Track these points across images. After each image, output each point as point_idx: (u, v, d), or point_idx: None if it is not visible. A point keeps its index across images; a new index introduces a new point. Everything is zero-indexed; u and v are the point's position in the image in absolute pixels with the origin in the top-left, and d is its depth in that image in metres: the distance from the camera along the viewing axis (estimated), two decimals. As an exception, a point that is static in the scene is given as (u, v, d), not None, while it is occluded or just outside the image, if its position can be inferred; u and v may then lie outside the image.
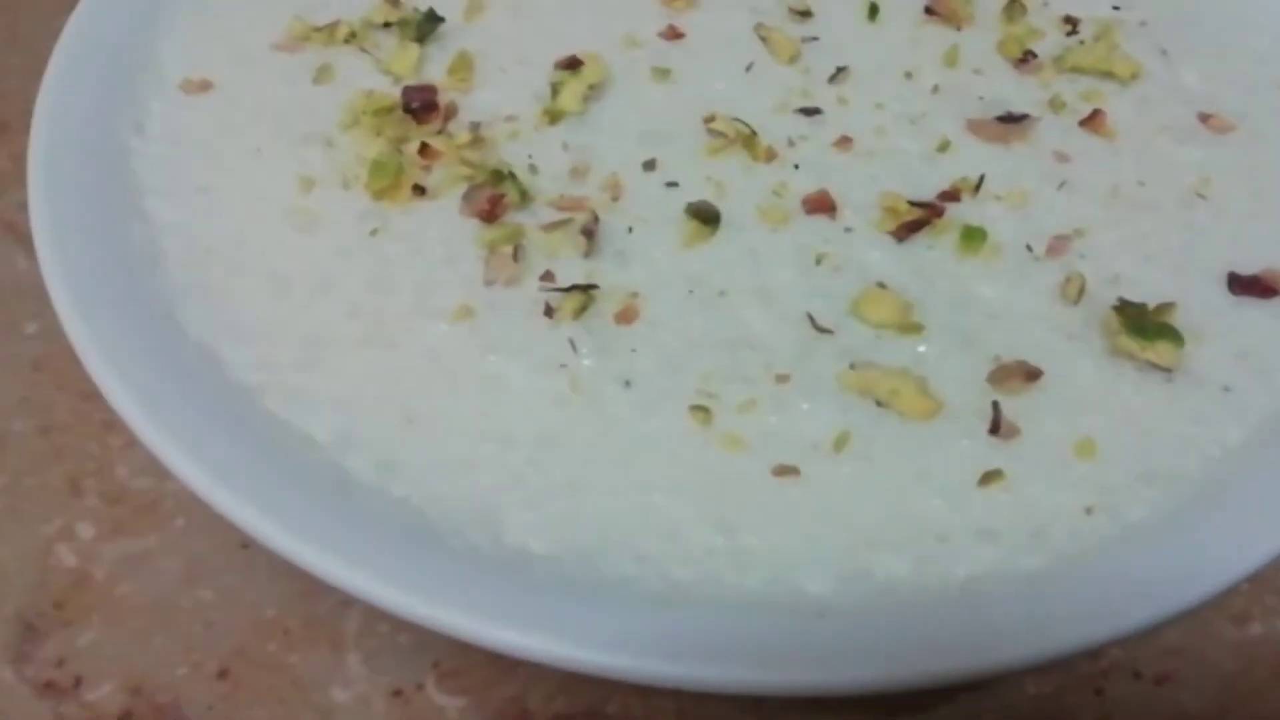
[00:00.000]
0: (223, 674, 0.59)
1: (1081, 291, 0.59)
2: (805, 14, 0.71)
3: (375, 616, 0.60)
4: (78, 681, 0.59)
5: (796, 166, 0.64)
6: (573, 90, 0.65)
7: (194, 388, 0.55)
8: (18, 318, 0.71)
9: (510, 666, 0.59)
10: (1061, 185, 0.64)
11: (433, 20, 0.69)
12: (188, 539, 0.63)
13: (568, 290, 0.58)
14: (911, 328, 0.57)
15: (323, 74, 0.67)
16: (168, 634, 0.61)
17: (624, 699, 0.59)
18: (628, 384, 0.56)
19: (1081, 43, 0.71)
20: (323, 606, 0.61)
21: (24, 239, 0.71)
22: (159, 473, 0.64)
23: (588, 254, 0.60)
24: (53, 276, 0.56)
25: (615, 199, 0.62)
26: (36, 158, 0.60)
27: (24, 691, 0.59)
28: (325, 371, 0.57)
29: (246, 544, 0.62)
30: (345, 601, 0.60)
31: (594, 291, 0.58)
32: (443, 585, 0.49)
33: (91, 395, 0.64)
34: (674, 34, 0.71)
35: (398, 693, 0.60)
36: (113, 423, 0.65)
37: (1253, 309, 0.60)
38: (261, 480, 0.52)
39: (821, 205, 0.62)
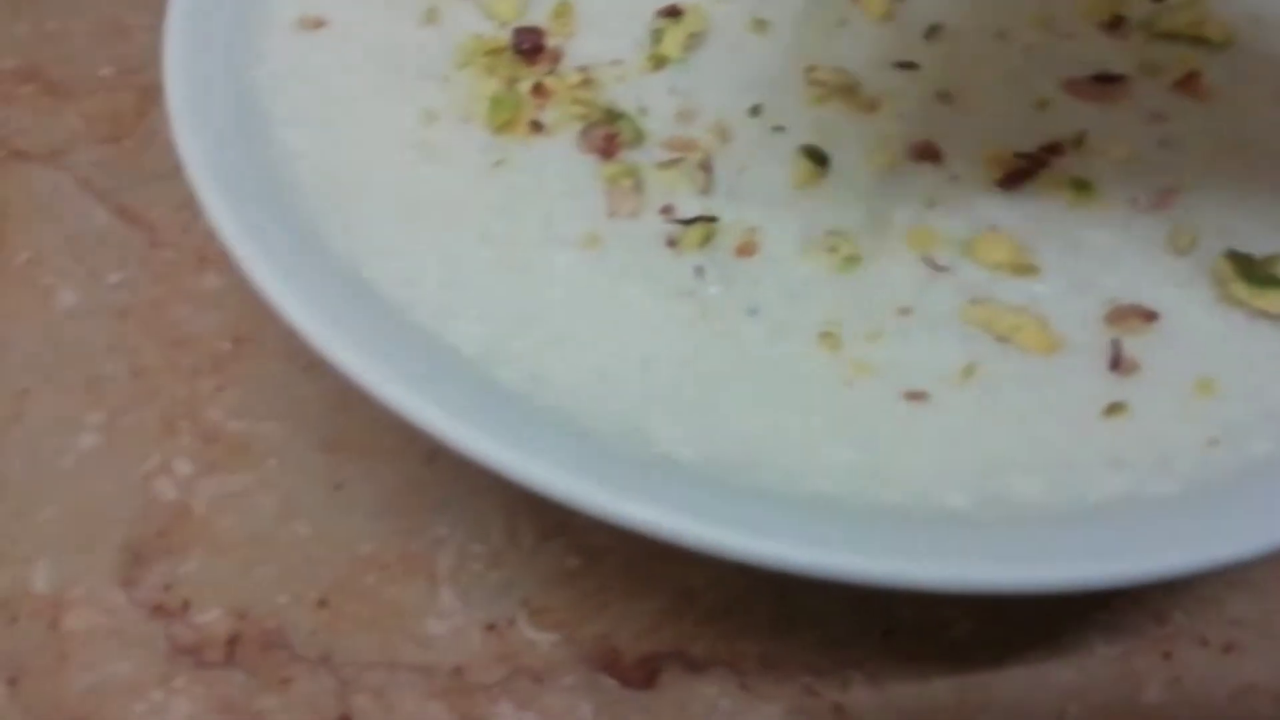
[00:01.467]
0: (323, 603, 0.60)
1: (1192, 241, 0.59)
2: None
3: (467, 555, 0.61)
4: (185, 605, 0.59)
5: (899, 117, 0.64)
6: (674, 37, 0.66)
7: (356, 302, 0.56)
8: (100, 269, 0.71)
9: (598, 606, 0.61)
10: (1161, 144, 0.63)
11: (534, -31, 0.68)
12: (282, 478, 0.63)
13: (690, 222, 0.58)
14: (1027, 269, 0.58)
15: (430, 15, 0.67)
16: (267, 565, 0.62)
17: (709, 641, 0.61)
18: (753, 312, 0.56)
19: (1170, 8, 0.70)
20: (416, 544, 0.62)
21: (101, 194, 0.71)
22: (250, 415, 0.64)
23: (705, 190, 0.59)
24: (218, 212, 0.57)
25: (724, 141, 0.62)
26: (175, 99, 0.61)
27: (136, 613, 0.59)
28: (466, 290, 0.58)
29: (340, 484, 0.62)
30: (438, 540, 0.61)
31: (714, 224, 0.57)
32: (603, 478, 0.50)
33: (180, 342, 0.65)
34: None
35: (491, 626, 0.61)
36: (201, 368, 0.66)
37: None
38: (423, 375, 0.53)
39: (927, 153, 0.63)
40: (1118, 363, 0.55)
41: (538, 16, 0.69)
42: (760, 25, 0.68)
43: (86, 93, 0.80)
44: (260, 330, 0.62)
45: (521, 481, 0.50)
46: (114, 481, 0.64)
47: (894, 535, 0.50)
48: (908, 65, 0.67)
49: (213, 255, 0.60)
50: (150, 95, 0.81)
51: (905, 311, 0.56)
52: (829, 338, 0.55)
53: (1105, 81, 0.67)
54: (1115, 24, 0.70)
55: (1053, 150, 0.64)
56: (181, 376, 0.67)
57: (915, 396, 0.54)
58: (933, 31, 0.69)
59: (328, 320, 0.53)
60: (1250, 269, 0.58)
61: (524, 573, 0.55)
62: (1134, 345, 0.57)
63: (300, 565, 0.62)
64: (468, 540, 0.60)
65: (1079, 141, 0.64)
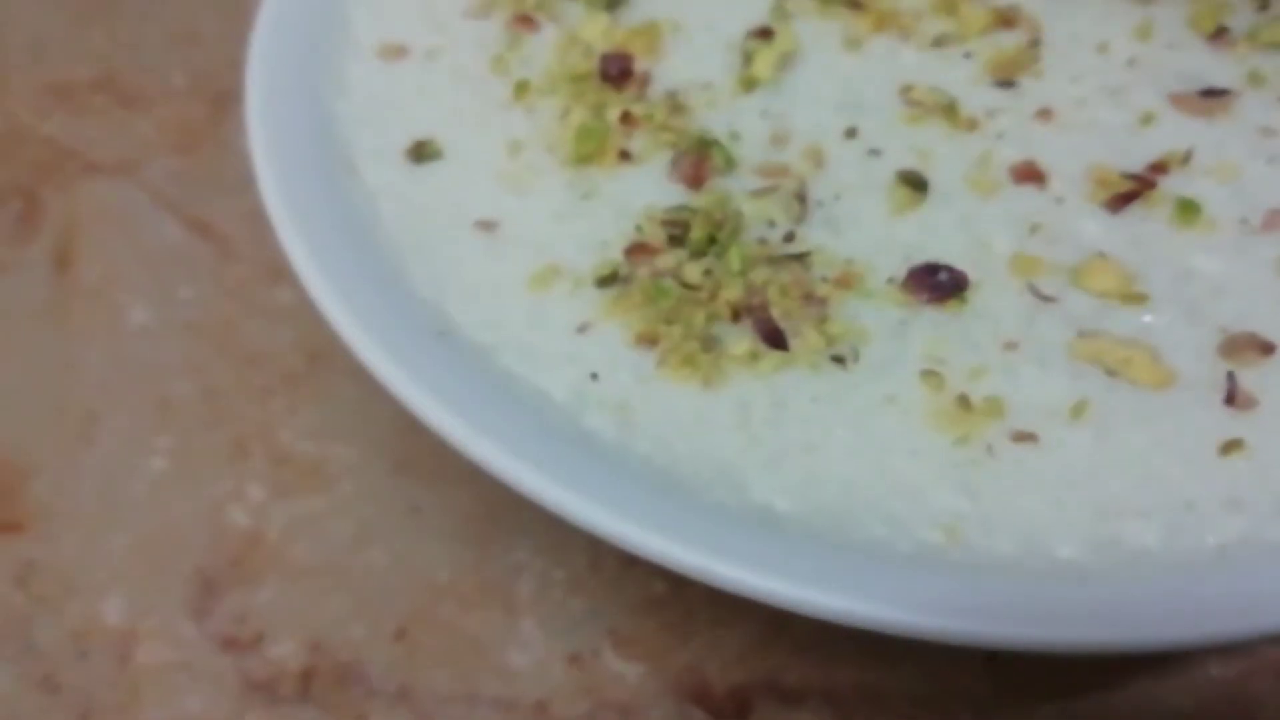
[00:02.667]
0: (400, 635, 0.59)
1: (1304, 265, 0.57)
2: None
3: (549, 582, 0.60)
4: (258, 638, 0.59)
5: (999, 136, 0.62)
6: (765, 59, 0.65)
7: (434, 345, 0.55)
8: (171, 284, 0.70)
9: (686, 635, 0.60)
10: (1271, 160, 0.61)
11: (621, -8, 0.67)
12: (356, 503, 0.63)
13: (780, 263, 0.57)
14: (1136, 298, 0.56)
15: (514, 42, 0.65)
16: (342, 594, 0.61)
17: (803, 670, 0.59)
18: (853, 350, 0.53)
19: (1276, 18, 0.68)
20: (494, 571, 0.61)
21: (174, 207, 0.71)
22: (323, 436, 0.64)
23: (799, 220, 0.58)
24: (296, 248, 0.56)
25: (818, 166, 0.61)
26: (254, 118, 0.60)
27: (207, 646, 0.59)
28: (554, 330, 0.56)
29: (416, 508, 0.61)
30: (518, 566, 0.61)
31: (808, 259, 0.56)
32: (698, 536, 0.49)
33: (251, 359, 0.65)
34: (857, 5, 0.70)
35: (575, 658, 0.60)
36: (274, 388, 0.65)
37: None
38: (515, 432, 0.52)
39: (1030, 175, 0.61)
40: (1233, 397, 0.54)
41: (626, 39, 0.67)
42: (853, 44, 0.66)
43: (160, 102, 0.80)
44: (333, 347, 0.61)
45: (615, 542, 0.49)
46: (185, 508, 0.63)
47: (1006, 594, 0.49)
48: (1006, 83, 0.64)
49: (286, 269, 0.58)
50: (223, 104, 0.80)
51: (1011, 346, 0.55)
52: (932, 376, 0.54)
53: (1211, 95, 0.65)
54: (1219, 34, 0.68)
55: (1159, 169, 0.62)
56: (253, 396, 0.67)
57: (1024, 438, 0.52)
58: (1033, 45, 0.66)
59: (412, 373, 0.53)
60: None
61: (607, 600, 0.53)
62: (1250, 377, 0.55)
63: (376, 595, 0.61)
64: (548, 566, 0.59)
65: (1186, 159, 0.62)
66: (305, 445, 0.65)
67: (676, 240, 0.57)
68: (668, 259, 0.57)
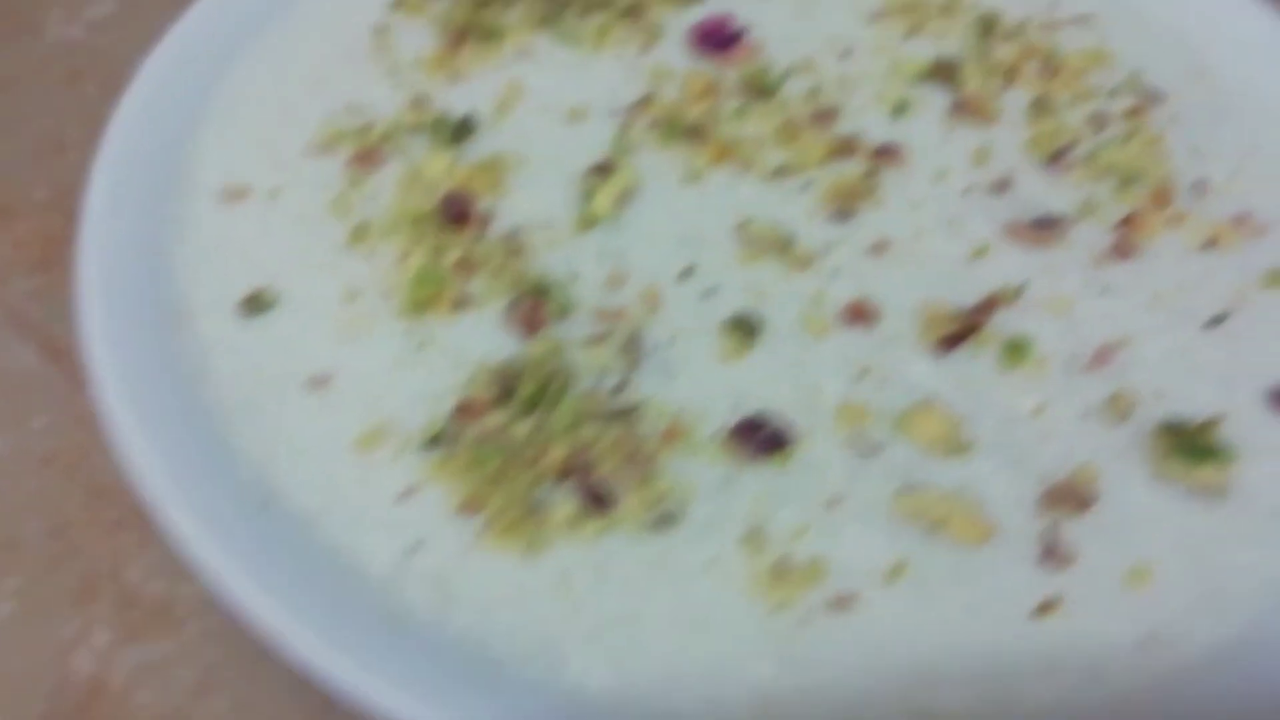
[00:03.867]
0: (241, 788, 0.57)
1: (1128, 408, 0.58)
2: (831, 112, 0.69)
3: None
4: (98, 791, 0.57)
5: (834, 273, 0.63)
6: (605, 195, 0.65)
7: (252, 515, 0.55)
8: (25, 412, 0.70)
9: None
10: (1102, 292, 0.62)
11: (466, 126, 0.67)
12: (202, 647, 0.62)
13: (608, 419, 0.57)
14: (960, 446, 0.57)
15: (357, 179, 0.65)
16: None
17: None
18: (675, 512, 0.54)
19: (1112, 141, 0.69)
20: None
21: (30, 329, 0.70)
22: (171, 575, 0.64)
23: (631, 368, 0.58)
24: (113, 400, 0.56)
25: (654, 309, 0.62)
26: (86, 271, 0.60)
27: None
28: (380, 495, 0.56)
29: (261, 653, 0.60)
30: (361, 715, 0.59)
31: (638, 412, 0.56)
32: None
33: (102, 491, 0.64)
34: (698, 136, 0.70)
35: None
36: (124, 520, 0.65)
37: (1298, 423, 0.58)
38: (320, 610, 0.52)
39: (861, 315, 0.62)
40: (1051, 553, 0.54)
41: (469, 175, 0.67)
42: (693, 177, 0.66)
43: (20, 217, 0.78)
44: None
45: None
46: (31, 652, 0.62)
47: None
48: (844, 214, 0.65)
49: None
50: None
51: (834, 503, 0.55)
52: (753, 539, 0.54)
53: (1046, 225, 0.65)
54: (1057, 158, 0.68)
55: (990, 305, 0.63)
56: (103, 532, 0.66)
57: (841, 603, 0.53)
58: (871, 174, 0.66)
59: (227, 555, 0.52)
60: (1186, 440, 0.57)
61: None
62: (1069, 530, 0.56)
63: (219, 747, 0.60)
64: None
65: (1018, 294, 0.63)
66: (154, 584, 0.65)
67: (505, 397, 0.57)
68: (496, 417, 0.57)
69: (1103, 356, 0.61)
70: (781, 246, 0.64)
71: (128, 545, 0.65)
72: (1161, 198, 0.68)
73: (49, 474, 0.68)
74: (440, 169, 0.66)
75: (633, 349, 0.59)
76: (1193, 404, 0.60)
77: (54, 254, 0.77)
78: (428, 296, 0.61)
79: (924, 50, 0.75)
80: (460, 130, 0.68)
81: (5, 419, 0.69)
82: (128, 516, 0.66)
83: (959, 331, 0.60)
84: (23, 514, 0.66)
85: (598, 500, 0.54)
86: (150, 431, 0.54)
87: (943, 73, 0.73)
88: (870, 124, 0.71)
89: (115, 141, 0.63)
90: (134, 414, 0.54)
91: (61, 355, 0.71)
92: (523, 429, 0.56)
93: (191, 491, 0.53)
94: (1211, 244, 0.66)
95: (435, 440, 0.56)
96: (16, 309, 0.74)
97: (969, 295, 0.63)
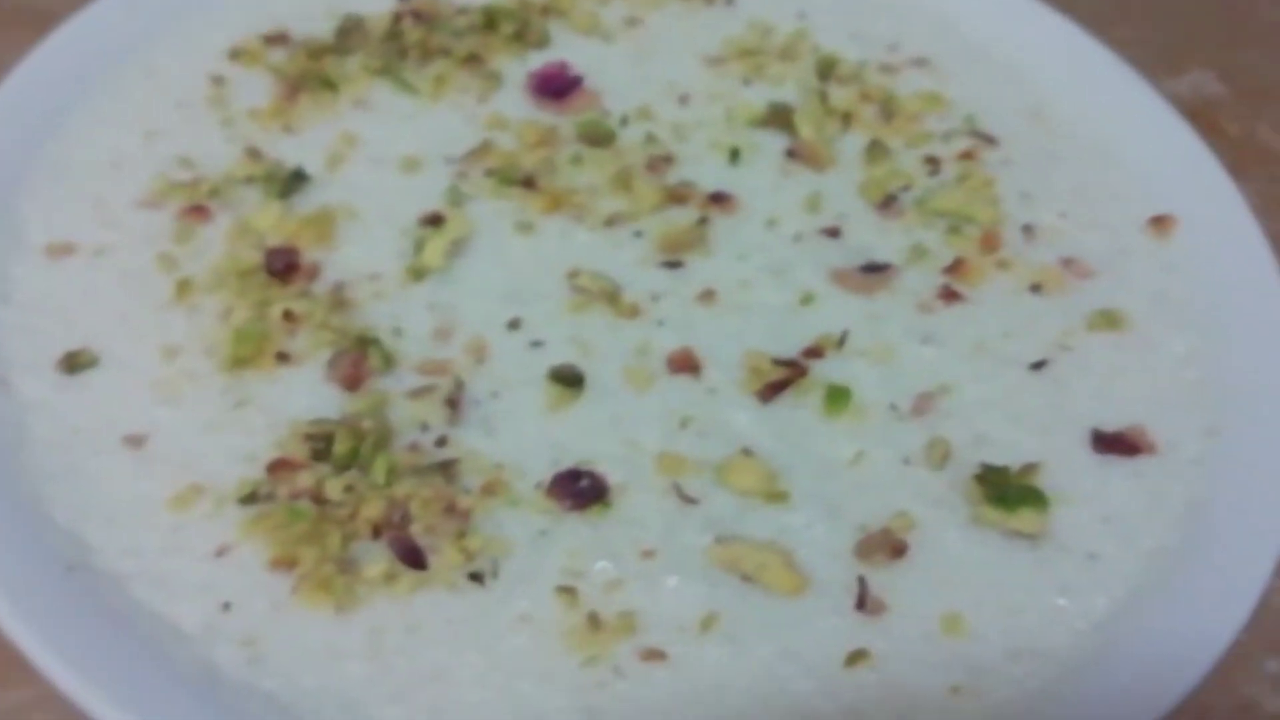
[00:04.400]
0: None
1: (946, 455, 0.59)
2: (667, 159, 0.70)
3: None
4: None
5: (660, 323, 0.63)
6: (435, 246, 0.65)
7: (61, 580, 0.54)
8: None
9: None
10: (925, 339, 0.63)
11: (298, 178, 0.67)
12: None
13: (426, 473, 0.58)
14: (777, 496, 0.58)
15: (186, 233, 0.65)
16: None
17: None
18: (491, 565, 0.54)
19: (944, 185, 0.69)
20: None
21: None
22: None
23: (452, 422, 0.58)
24: None
25: (479, 361, 0.62)
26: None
27: None
28: (191, 555, 0.56)
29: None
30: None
31: (457, 466, 0.56)
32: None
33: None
34: (532, 185, 0.71)
35: None
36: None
37: (1117, 467, 0.61)
38: (127, 676, 0.51)
39: (685, 365, 0.62)
40: (863, 602, 0.55)
41: (299, 228, 0.68)
42: (525, 228, 0.67)
43: None
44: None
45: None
46: None
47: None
48: (674, 263, 0.65)
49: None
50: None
51: (649, 554, 0.56)
52: (567, 592, 0.55)
53: (873, 271, 0.66)
54: (888, 203, 0.69)
55: (814, 353, 0.64)
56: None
57: (653, 655, 0.53)
58: (701, 223, 0.67)
59: (28, 618, 0.52)
60: (1003, 487, 0.58)
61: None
62: (882, 579, 0.56)
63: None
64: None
65: (841, 342, 0.64)
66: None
67: (321, 454, 0.57)
68: (309, 475, 0.57)
69: (923, 404, 0.61)
70: (610, 296, 0.64)
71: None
72: (990, 242, 0.68)
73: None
74: (270, 221, 0.66)
75: (456, 403, 0.59)
76: (1013, 450, 0.60)
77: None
78: (249, 353, 0.61)
79: (761, 96, 0.75)
80: (292, 182, 0.68)
81: None
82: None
83: (781, 380, 0.61)
84: None
85: (411, 557, 0.55)
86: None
87: (779, 119, 0.73)
88: (705, 171, 0.72)
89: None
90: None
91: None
92: (337, 486, 0.56)
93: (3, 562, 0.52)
94: (1038, 288, 0.67)
95: (249, 499, 0.56)
96: None
97: (794, 344, 0.63)
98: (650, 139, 0.71)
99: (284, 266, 0.64)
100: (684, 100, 0.74)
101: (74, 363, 0.60)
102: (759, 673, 0.54)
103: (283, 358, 0.61)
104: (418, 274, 0.65)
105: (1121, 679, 0.53)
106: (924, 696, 0.53)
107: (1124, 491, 0.60)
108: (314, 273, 0.64)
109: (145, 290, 0.64)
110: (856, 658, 0.54)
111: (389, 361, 0.61)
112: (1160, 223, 0.71)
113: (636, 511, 0.58)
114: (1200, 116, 0.79)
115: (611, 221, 0.67)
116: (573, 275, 0.65)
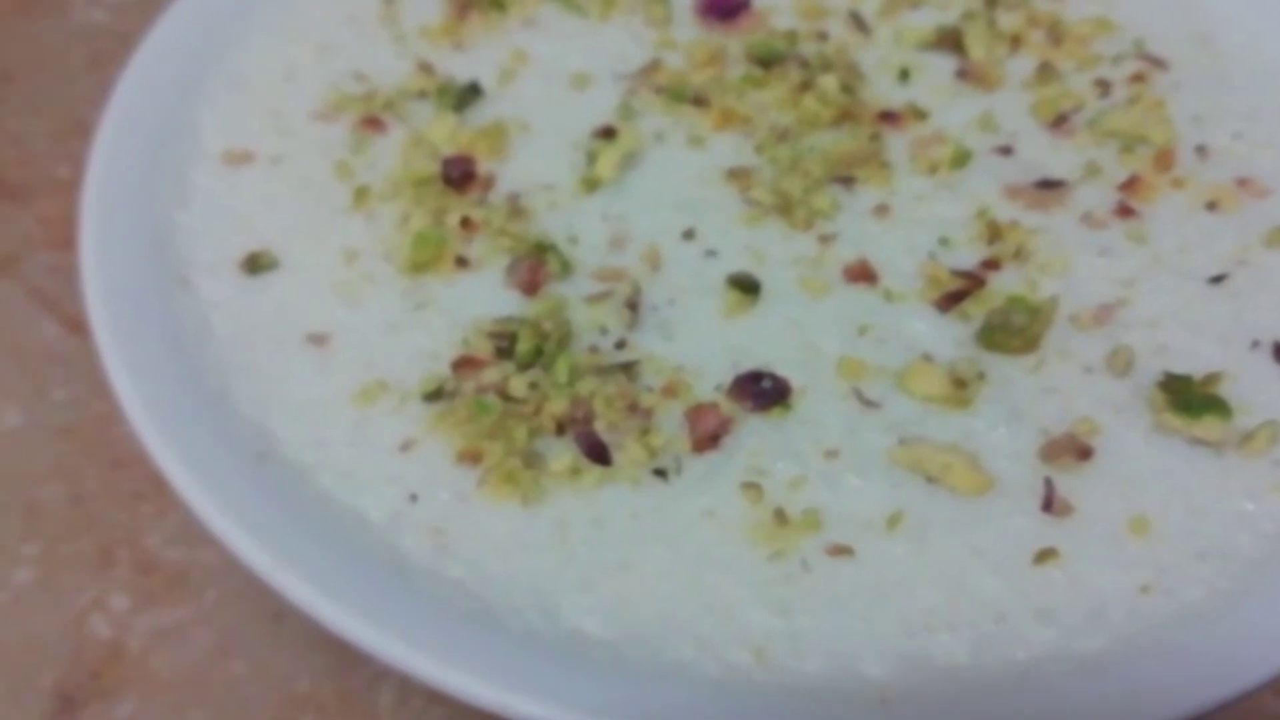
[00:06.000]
0: (260, 746, 0.57)
1: (1129, 363, 0.58)
2: (837, 80, 0.69)
3: (409, 691, 0.61)
4: (113, 757, 0.57)
5: (836, 234, 0.62)
6: (608, 159, 0.65)
7: (250, 469, 0.55)
8: (46, 384, 0.71)
9: None
10: (1103, 252, 0.62)
11: (472, 91, 0.68)
12: (219, 610, 0.63)
13: (607, 373, 0.58)
14: (959, 401, 0.56)
15: (358, 144, 0.65)
16: (203, 708, 0.61)
17: None
18: (675, 461, 0.54)
19: (1115, 107, 0.69)
20: (356, 680, 0.60)
21: (51, 304, 0.71)
22: (189, 542, 0.63)
23: (631, 326, 0.58)
24: (111, 358, 0.56)
25: (655, 269, 0.62)
26: (88, 234, 0.60)
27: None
28: (376, 448, 0.56)
29: (279, 615, 0.61)
30: (378, 675, 0.60)
31: (637, 367, 0.56)
32: (502, 669, 0.49)
33: (121, 462, 0.64)
34: (703, 103, 0.70)
35: (435, 768, 0.57)
36: (142, 491, 0.65)
37: (1300, 379, 0.58)
38: (320, 560, 0.52)
39: (862, 274, 0.62)
40: (1050, 504, 0.55)
41: (472, 140, 0.68)
42: (697, 141, 0.66)
43: (44, 195, 0.79)
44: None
45: (421, 679, 0.49)
46: (48, 617, 0.64)
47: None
48: (846, 179, 0.65)
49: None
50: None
51: (832, 455, 0.56)
52: (752, 488, 0.54)
53: (1047, 187, 0.66)
54: (1060, 122, 0.69)
55: (991, 265, 0.62)
56: (121, 501, 0.66)
57: (839, 551, 0.53)
58: (874, 139, 0.66)
59: (222, 504, 0.53)
60: (1185, 395, 0.57)
61: (469, 711, 0.53)
62: (1067, 483, 0.55)
63: (235, 707, 0.61)
64: (408, 675, 0.57)
65: (1018, 253, 0.62)
66: (171, 551, 0.66)
67: (504, 353, 0.57)
68: (494, 372, 0.57)
69: (1104, 315, 0.60)
70: (784, 209, 0.63)
71: (145, 514, 0.66)
72: (1164, 161, 0.68)
73: (68, 444, 0.69)
74: (444, 134, 0.66)
75: (633, 307, 0.60)
76: (1194, 360, 0.59)
77: (75, 232, 0.77)
78: (428, 257, 0.61)
79: (929, 18, 0.74)
80: (465, 96, 0.69)
81: (27, 391, 0.70)
82: (145, 487, 0.67)
83: (959, 290, 0.60)
84: (42, 483, 0.67)
85: (596, 452, 0.55)
86: (149, 390, 0.54)
87: (948, 40, 0.73)
88: (876, 90, 0.70)
89: (119, 107, 0.64)
90: (133, 374, 0.55)
91: (82, 329, 0.72)
92: (521, 383, 0.57)
93: (190, 446, 0.53)
94: (1213, 206, 0.66)
95: (434, 394, 0.57)
96: (38, 285, 0.75)
97: (971, 256, 0.62)
98: (819, 59, 0.70)
99: (460, 175, 0.64)
100: (851, 22, 0.73)
101: (255, 264, 0.61)
102: (947, 569, 0.54)
103: (461, 263, 0.61)
104: (591, 185, 0.65)
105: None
106: (1113, 594, 0.53)
107: (1310, 401, 0.57)
108: (489, 182, 0.65)
109: (322, 197, 0.64)
110: (1045, 556, 0.53)
111: (566, 268, 0.61)
112: (1335, 141, 0.68)
113: (818, 413, 0.57)
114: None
115: (783, 137, 0.66)
116: (746, 187, 0.64)
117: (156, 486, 0.65)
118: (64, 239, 0.76)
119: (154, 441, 0.52)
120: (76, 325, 0.72)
